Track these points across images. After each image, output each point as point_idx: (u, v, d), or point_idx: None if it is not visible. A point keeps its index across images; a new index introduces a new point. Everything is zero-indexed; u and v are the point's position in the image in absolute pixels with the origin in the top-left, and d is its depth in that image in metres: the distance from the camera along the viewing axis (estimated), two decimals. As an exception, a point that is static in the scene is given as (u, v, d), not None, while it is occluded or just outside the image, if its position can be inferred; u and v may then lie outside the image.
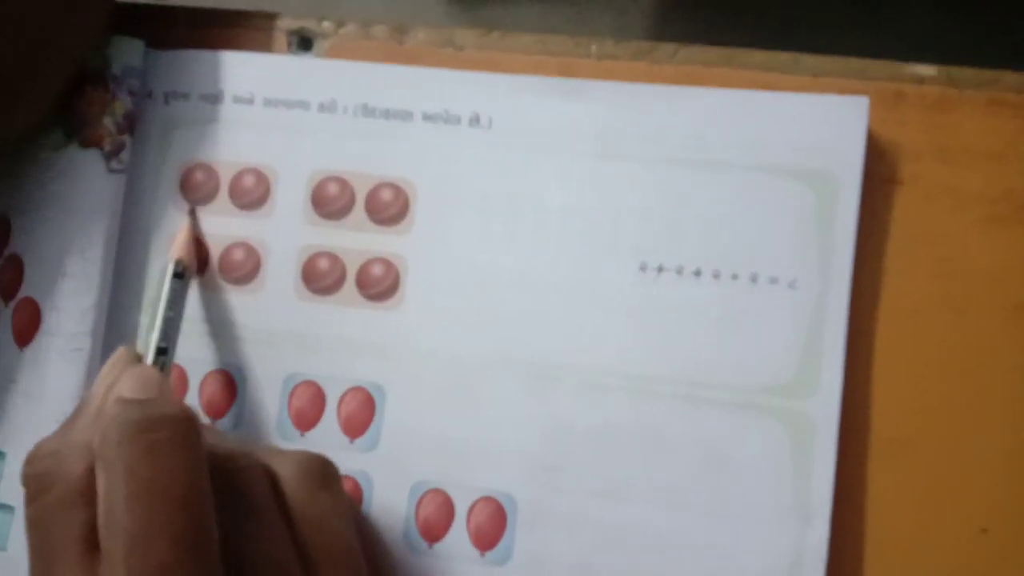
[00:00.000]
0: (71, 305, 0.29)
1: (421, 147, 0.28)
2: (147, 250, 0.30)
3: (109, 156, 0.29)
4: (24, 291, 0.29)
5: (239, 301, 0.29)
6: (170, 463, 0.21)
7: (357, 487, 0.28)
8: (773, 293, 0.26)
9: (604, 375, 0.27)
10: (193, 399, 0.29)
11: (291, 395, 0.28)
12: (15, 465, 0.29)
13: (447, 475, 0.27)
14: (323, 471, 0.24)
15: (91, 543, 0.21)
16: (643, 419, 0.27)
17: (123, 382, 0.24)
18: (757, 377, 0.26)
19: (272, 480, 0.23)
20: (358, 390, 0.28)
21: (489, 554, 0.27)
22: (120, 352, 0.25)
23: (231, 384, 0.29)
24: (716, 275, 0.26)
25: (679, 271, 0.27)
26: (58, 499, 0.22)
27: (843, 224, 0.26)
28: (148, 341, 0.26)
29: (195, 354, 0.29)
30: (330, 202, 0.29)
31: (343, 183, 0.29)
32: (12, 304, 0.29)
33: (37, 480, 0.22)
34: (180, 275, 0.27)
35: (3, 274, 0.30)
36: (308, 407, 0.28)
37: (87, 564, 0.21)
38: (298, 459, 0.24)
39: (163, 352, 0.26)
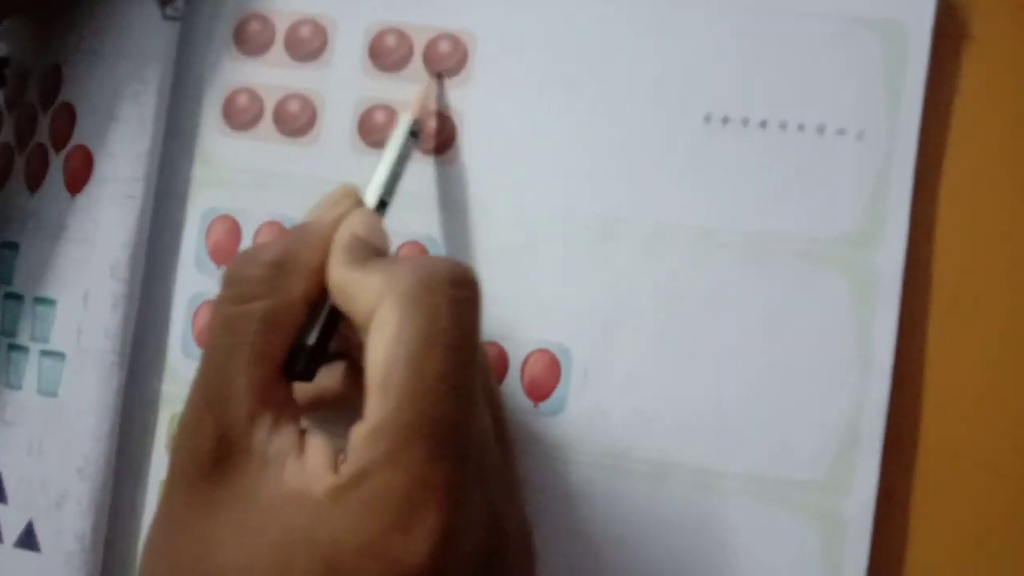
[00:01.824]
0: (125, 150, 0.28)
1: (482, -2, 0.28)
2: (199, 100, 0.29)
3: (164, 3, 0.29)
4: (76, 139, 0.29)
5: (294, 152, 0.29)
6: (471, 323, 0.20)
7: (411, 338, 0.28)
8: (840, 144, 0.26)
9: (667, 230, 0.27)
10: (246, 250, 0.29)
11: (345, 247, 0.28)
12: (66, 312, 0.29)
13: (501, 328, 0.27)
14: (490, 365, 0.25)
15: (282, 365, 0.21)
16: (706, 274, 0.26)
17: (355, 219, 0.23)
18: (823, 228, 0.26)
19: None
20: (413, 243, 0.28)
21: (543, 405, 0.27)
22: (346, 187, 0.25)
23: (284, 235, 0.29)
24: (783, 126, 0.26)
25: (744, 122, 0.26)
26: (269, 311, 0.21)
27: (912, 77, 0.26)
28: (372, 190, 0.25)
29: (249, 204, 0.29)
30: (388, 54, 0.28)
31: (401, 34, 0.28)
32: (64, 152, 0.29)
33: (250, 283, 0.21)
34: (415, 134, 0.27)
35: (55, 122, 0.29)
36: (362, 259, 0.28)
37: (273, 388, 0.21)
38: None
39: (383, 205, 0.25)
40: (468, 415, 0.20)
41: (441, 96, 0.28)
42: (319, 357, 0.22)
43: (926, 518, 0.26)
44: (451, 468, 0.19)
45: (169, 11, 0.29)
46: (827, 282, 0.26)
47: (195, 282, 0.29)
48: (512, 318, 0.27)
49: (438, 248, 0.28)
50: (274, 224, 0.29)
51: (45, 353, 0.29)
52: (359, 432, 0.19)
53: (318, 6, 0.29)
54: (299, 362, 0.22)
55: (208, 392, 0.20)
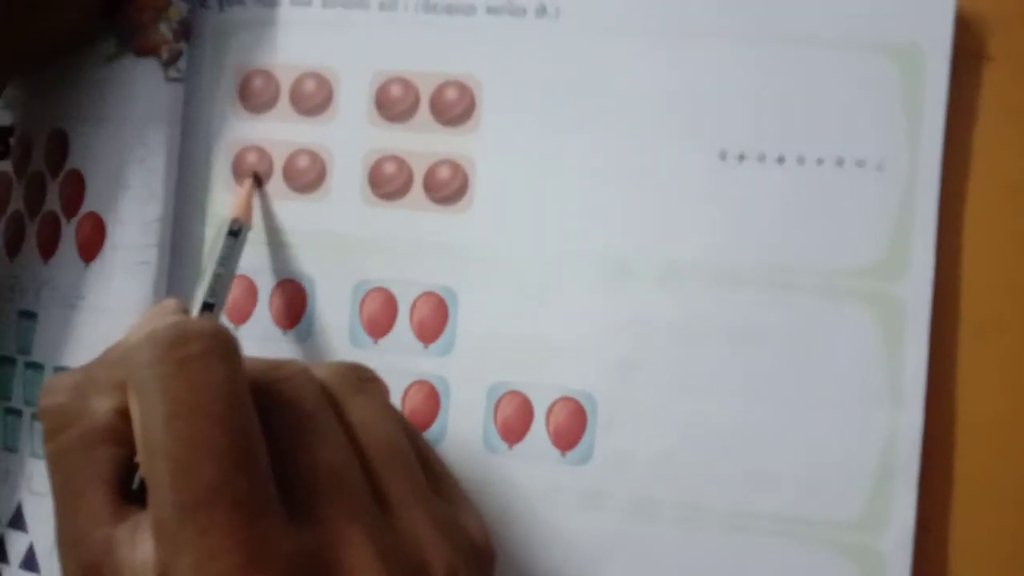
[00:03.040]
0: (135, 217, 0.28)
1: (486, 42, 0.28)
2: (208, 160, 0.29)
3: (167, 64, 0.28)
4: (87, 206, 0.29)
5: (306, 209, 0.28)
6: (206, 378, 0.19)
7: (433, 391, 0.27)
8: (860, 176, 0.25)
9: (684, 267, 0.26)
10: (263, 310, 0.28)
11: (362, 302, 0.28)
12: (87, 381, 0.28)
13: (524, 377, 0.27)
14: (357, 375, 0.24)
15: (117, 483, 0.20)
16: (726, 310, 0.26)
17: (155, 326, 0.22)
18: (846, 261, 0.25)
19: (321, 385, 0.23)
20: (430, 295, 0.28)
21: (570, 454, 0.27)
22: (166, 302, 0.24)
23: (301, 293, 0.28)
24: (800, 160, 0.26)
25: (761, 158, 0.26)
26: (81, 436, 0.20)
27: (932, 101, 0.25)
28: (195, 295, 0.25)
29: (263, 264, 0.28)
30: (394, 104, 0.28)
31: (407, 83, 0.28)
32: (75, 219, 0.29)
33: (57, 414, 0.21)
34: (235, 233, 0.26)
35: (64, 189, 0.29)
36: (380, 314, 0.28)
37: (115, 506, 0.20)
38: (333, 368, 0.24)
39: (209, 307, 0.25)
40: (239, 467, 0.19)
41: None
42: None
43: (965, 550, 0.25)
44: (231, 528, 0.18)
45: (172, 72, 0.28)
46: (853, 315, 0.25)
47: (214, 343, 0.29)
48: (534, 366, 0.27)
49: (453, 298, 0.27)
50: (290, 283, 0.28)
51: (69, 422, 0.29)
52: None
53: (321, 58, 0.28)
54: (135, 479, 0.21)
55: (62, 532, 0.20)
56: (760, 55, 0.26)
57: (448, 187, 0.28)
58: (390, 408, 0.24)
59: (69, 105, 0.29)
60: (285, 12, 0.29)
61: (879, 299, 0.25)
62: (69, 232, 0.29)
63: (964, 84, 0.26)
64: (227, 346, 0.20)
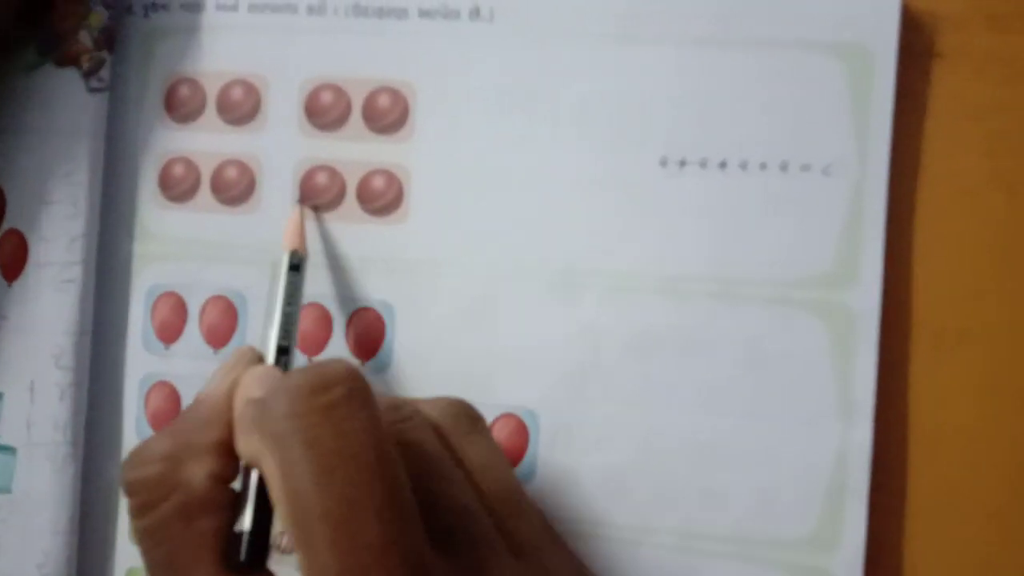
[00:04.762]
0: (59, 234, 0.27)
1: (419, 46, 0.26)
2: (135, 172, 0.28)
3: (88, 74, 0.27)
4: (8, 222, 0.28)
5: (235, 222, 0.27)
6: (352, 425, 0.18)
7: (370, 410, 0.26)
8: (806, 181, 0.24)
9: (630, 278, 0.25)
10: (193, 327, 0.27)
11: (296, 318, 0.27)
12: (13, 405, 0.27)
13: (464, 393, 0.26)
14: (469, 414, 0.23)
15: (221, 554, 0.19)
16: (674, 321, 0.25)
17: (248, 384, 0.21)
18: (793, 270, 0.24)
19: (434, 425, 0.22)
20: (366, 310, 0.27)
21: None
22: (241, 351, 0.23)
23: (231, 309, 0.27)
24: (743, 166, 0.25)
25: (703, 164, 0.25)
26: (179, 508, 0.19)
27: (879, 101, 0.24)
28: (267, 340, 0.23)
29: (192, 279, 0.27)
30: (325, 111, 0.27)
31: (338, 90, 0.27)
32: (-3, 237, 0.28)
33: (149, 487, 0.20)
34: (296, 267, 0.25)
35: (-15, 206, 0.28)
36: (315, 330, 0.27)
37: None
38: (442, 406, 0.22)
39: (284, 352, 0.23)
40: (399, 520, 0.18)
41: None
42: (262, 539, 0.20)
43: (919, 567, 0.24)
44: None
45: (94, 82, 0.27)
46: (802, 324, 0.24)
47: (145, 363, 0.28)
48: (474, 383, 0.26)
49: (391, 314, 0.26)
50: (220, 299, 0.27)
51: (-4, 447, 0.28)
52: None
53: (248, 65, 0.27)
54: (240, 551, 0.19)
55: None
56: (700, 57, 0.25)
57: (383, 197, 0.27)
58: (500, 448, 0.23)
59: (-12, 118, 0.28)
60: (211, 17, 0.27)
61: (828, 308, 0.24)
62: (-9, 250, 0.28)
63: (913, 83, 0.25)
64: (366, 388, 0.19)
